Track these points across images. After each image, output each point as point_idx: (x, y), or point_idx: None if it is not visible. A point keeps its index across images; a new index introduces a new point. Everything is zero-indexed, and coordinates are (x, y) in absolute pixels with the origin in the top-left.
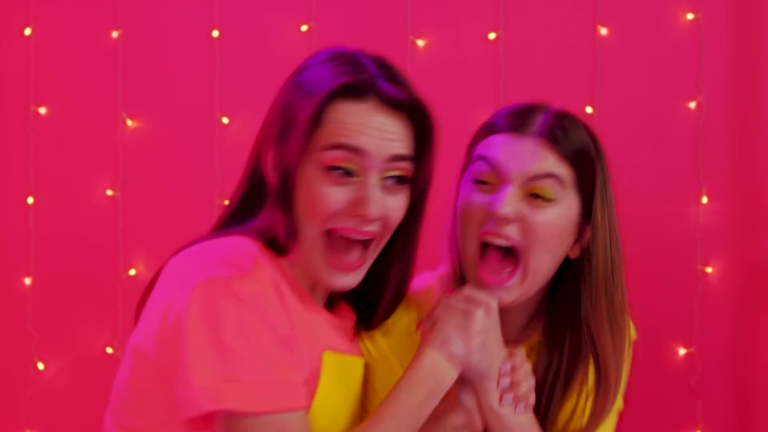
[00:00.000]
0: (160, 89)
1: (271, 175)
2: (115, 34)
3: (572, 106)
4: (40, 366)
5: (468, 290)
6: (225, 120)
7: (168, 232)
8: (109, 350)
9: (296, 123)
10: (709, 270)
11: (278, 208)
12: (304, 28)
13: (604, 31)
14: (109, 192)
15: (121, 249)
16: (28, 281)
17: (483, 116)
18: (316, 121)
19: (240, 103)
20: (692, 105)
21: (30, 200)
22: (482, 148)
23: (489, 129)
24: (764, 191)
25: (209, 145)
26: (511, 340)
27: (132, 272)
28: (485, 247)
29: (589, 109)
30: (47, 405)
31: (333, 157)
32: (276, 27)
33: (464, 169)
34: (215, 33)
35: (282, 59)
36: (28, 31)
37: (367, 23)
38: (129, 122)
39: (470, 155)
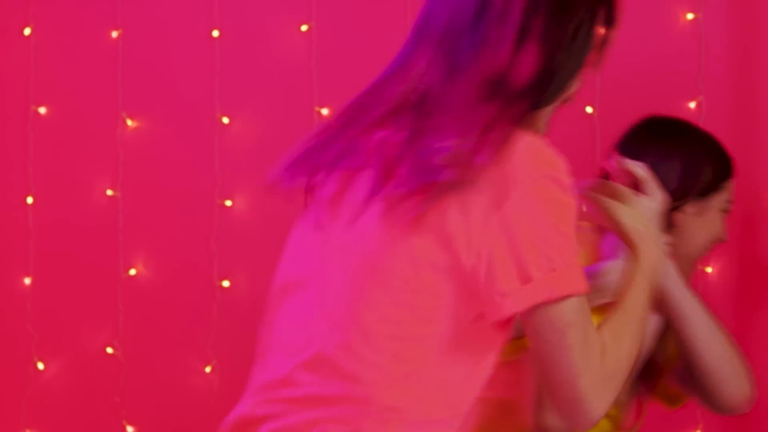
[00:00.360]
0: (160, 89)
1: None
2: (115, 34)
3: (572, 106)
4: (40, 366)
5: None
6: (225, 120)
7: (168, 232)
8: (109, 350)
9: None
10: (709, 270)
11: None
12: (304, 28)
13: (603, 31)
14: (109, 192)
15: (121, 249)
16: (27, 281)
17: None
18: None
19: (240, 103)
20: (692, 105)
21: (30, 200)
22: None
23: (731, 172)
24: (764, 191)
25: (209, 145)
26: None
27: (132, 272)
28: None
29: (589, 109)
30: (47, 405)
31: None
32: (276, 27)
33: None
34: (215, 33)
35: (282, 59)
36: (28, 31)
37: (367, 23)
38: (129, 122)
39: (718, 185)
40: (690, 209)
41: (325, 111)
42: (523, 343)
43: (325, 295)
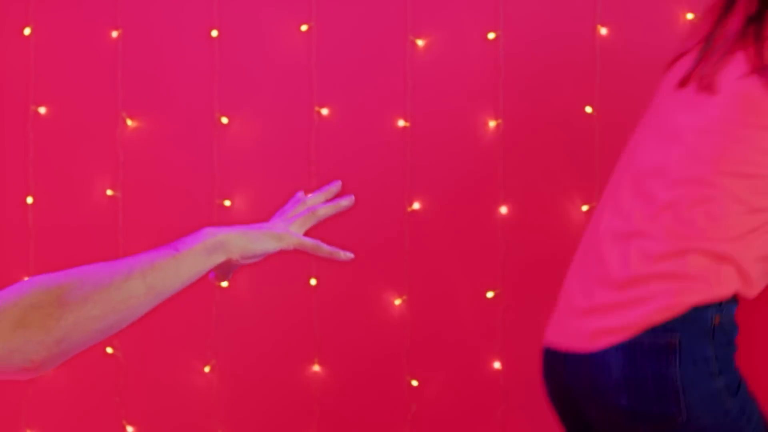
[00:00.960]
0: (159, 89)
1: None
2: (115, 34)
3: (572, 106)
4: None
5: None
6: (225, 120)
7: (168, 232)
8: (109, 350)
9: None
10: None
11: None
12: (304, 28)
13: (604, 31)
14: (109, 192)
15: (121, 249)
16: None
17: (483, 116)
18: None
19: (240, 103)
20: None
21: (30, 200)
22: None
23: None
24: None
25: (209, 145)
26: None
27: None
28: None
29: (588, 109)
30: (47, 405)
31: None
32: (276, 27)
33: None
34: (214, 33)
35: (282, 59)
36: (28, 31)
37: (367, 23)
38: (129, 122)
39: None
40: None
41: (325, 111)
42: None
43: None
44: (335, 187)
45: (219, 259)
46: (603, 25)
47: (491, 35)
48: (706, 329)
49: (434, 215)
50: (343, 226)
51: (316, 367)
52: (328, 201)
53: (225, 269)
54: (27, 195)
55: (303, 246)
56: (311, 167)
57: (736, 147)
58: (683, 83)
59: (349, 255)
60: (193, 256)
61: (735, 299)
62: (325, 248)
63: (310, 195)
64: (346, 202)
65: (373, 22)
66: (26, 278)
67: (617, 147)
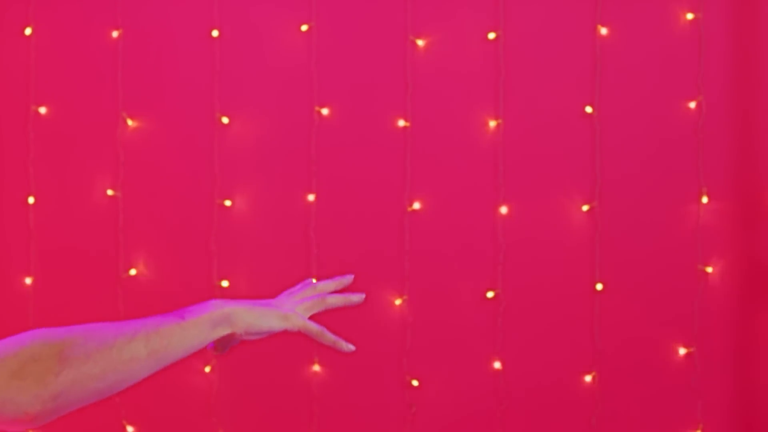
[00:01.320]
0: (160, 89)
1: None
2: (115, 34)
3: (572, 106)
4: None
5: None
6: (225, 120)
7: (168, 232)
8: None
9: None
10: (709, 270)
11: None
12: (304, 28)
13: (604, 31)
14: (109, 192)
15: (121, 249)
16: (28, 281)
17: (483, 116)
18: None
19: (240, 103)
20: (692, 105)
21: (30, 200)
22: None
23: None
24: (764, 191)
25: (209, 145)
26: None
27: (132, 272)
28: None
29: (588, 109)
30: None
31: None
32: (276, 27)
33: None
34: (215, 33)
35: (282, 59)
36: (28, 31)
37: (367, 23)
38: (129, 122)
39: None
40: None
41: (325, 111)
42: None
43: None
44: (347, 279)
45: (223, 332)
46: (603, 25)
47: (491, 35)
48: None
49: (434, 215)
50: (343, 225)
51: (316, 367)
52: (338, 291)
53: (226, 342)
54: (27, 195)
55: (307, 330)
56: (311, 167)
57: None
58: None
59: (351, 347)
60: (198, 327)
61: None
62: (329, 336)
63: (320, 282)
64: (356, 298)
65: (373, 22)
66: (27, 279)
67: (617, 147)
